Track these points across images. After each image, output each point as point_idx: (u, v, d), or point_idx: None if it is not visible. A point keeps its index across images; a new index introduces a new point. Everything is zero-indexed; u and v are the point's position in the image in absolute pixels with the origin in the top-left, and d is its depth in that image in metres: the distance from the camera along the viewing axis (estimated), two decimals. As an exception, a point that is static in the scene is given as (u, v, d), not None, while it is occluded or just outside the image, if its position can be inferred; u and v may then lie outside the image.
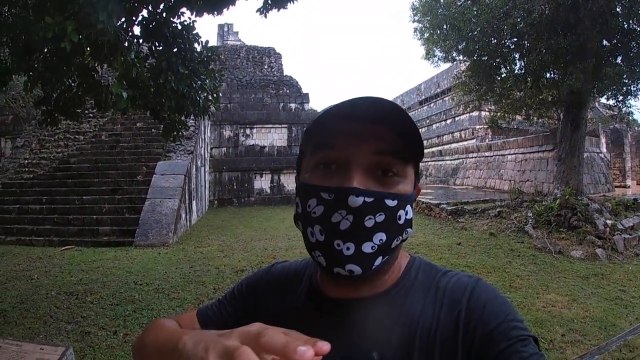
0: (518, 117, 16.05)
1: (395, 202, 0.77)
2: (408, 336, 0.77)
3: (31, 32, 4.56)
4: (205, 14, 5.38)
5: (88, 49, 5.05)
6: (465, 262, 7.83)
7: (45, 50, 5.22)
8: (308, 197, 0.79)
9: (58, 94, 6.19)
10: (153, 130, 14.93)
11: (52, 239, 10.34)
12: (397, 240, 0.78)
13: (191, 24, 5.68)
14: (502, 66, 12.08)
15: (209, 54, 6.04)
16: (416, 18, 12.83)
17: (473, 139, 22.43)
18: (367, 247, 0.75)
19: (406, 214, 0.79)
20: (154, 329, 0.86)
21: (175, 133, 6.85)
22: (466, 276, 0.84)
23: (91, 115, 15.64)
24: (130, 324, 5.20)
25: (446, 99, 25.26)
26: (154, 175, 12.22)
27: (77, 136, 15.29)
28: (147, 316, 5.46)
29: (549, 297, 6.05)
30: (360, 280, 0.78)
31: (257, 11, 5.63)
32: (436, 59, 13.27)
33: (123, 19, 4.97)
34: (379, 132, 0.76)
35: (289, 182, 18.98)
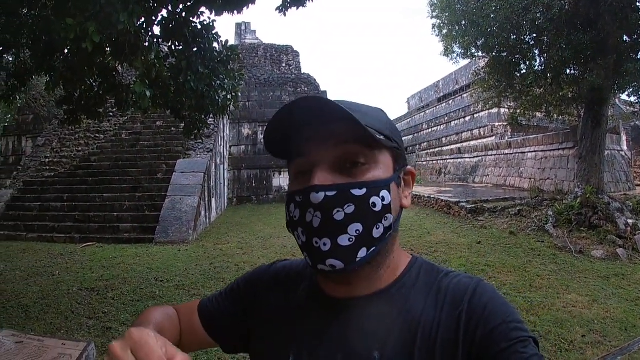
0: (538, 114, 15.85)
1: (363, 191, 0.77)
2: (409, 336, 0.78)
3: (52, 33, 4.64)
4: (224, 13, 5.41)
5: (109, 49, 5.13)
6: (485, 261, 7.77)
7: (66, 50, 5.30)
8: (289, 203, 0.83)
9: (80, 94, 6.29)
10: (173, 128, 15.09)
11: (73, 235, 10.48)
12: (377, 228, 0.78)
13: (211, 24, 5.73)
14: (521, 62, 11.94)
15: (229, 54, 6.08)
16: (434, 14, 12.80)
17: (492, 136, 22.22)
18: (343, 240, 0.75)
19: (383, 200, 0.78)
20: (139, 320, 0.93)
21: (196, 131, 6.93)
22: (467, 277, 0.84)
23: (111, 114, 15.82)
24: (151, 320, 5.25)
25: (465, 96, 25.06)
26: (174, 173, 12.35)
27: (97, 135, 15.51)
28: (167, 312, 5.50)
29: (569, 297, 5.97)
30: (352, 275, 0.79)
31: (276, 9, 5.66)
32: (455, 55, 13.22)
33: (143, 19, 5.02)
34: (337, 127, 0.77)
35: (308, 180, 18.86)
